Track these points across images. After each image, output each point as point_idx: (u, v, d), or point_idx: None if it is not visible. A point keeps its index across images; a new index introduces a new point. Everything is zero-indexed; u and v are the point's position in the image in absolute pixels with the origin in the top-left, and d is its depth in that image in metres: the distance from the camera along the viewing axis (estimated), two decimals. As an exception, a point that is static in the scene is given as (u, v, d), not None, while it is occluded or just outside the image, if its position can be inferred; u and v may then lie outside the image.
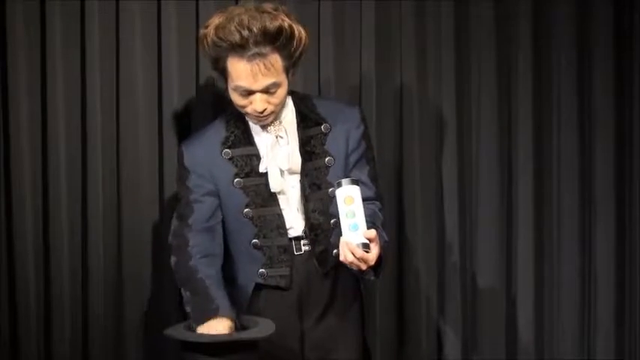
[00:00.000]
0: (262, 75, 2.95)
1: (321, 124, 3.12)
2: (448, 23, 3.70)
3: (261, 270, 3.11)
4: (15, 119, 3.45)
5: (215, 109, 3.53)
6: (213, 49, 2.99)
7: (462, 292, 3.72)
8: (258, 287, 3.14)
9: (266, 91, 2.98)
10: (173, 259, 3.12)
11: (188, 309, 3.02)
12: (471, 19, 3.72)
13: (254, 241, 3.10)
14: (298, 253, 3.12)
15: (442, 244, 3.72)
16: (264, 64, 2.94)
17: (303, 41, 3.00)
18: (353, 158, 3.13)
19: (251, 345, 2.73)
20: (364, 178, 3.12)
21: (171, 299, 3.55)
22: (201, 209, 3.09)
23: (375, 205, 3.13)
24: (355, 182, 2.90)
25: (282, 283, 3.11)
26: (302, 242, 3.11)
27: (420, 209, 3.68)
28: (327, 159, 3.09)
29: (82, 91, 3.50)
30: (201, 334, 2.81)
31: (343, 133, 3.12)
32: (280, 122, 3.10)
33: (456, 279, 3.72)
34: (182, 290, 3.07)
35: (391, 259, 3.54)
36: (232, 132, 3.12)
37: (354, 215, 2.87)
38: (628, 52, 3.78)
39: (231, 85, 3.01)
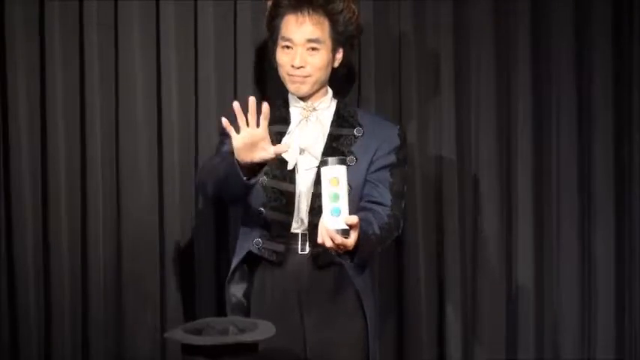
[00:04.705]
0: (307, 27, 3.09)
1: (355, 127, 3.15)
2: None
3: (257, 239, 3.12)
4: (15, 119, 3.45)
5: (215, 107, 3.54)
6: (274, 9, 3.16)
7: (462, 292, 3.72)
8: (253, 263, 3.14)
9: (307, 47, 3.09)
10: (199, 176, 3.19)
11: (219, 171, 2.99)
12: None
13: (260, 209, 3.10)
14: (302, 252, 3.12)
15: (442, 243, 3.72)
16: (312, 18, 3.10)
17: (354, 19, 3.16)
18: (376, 164, 3.12)
19: (252, 347, 2.72)
20: (382, 186, 3.11)
21: (172, 299, 3.56)
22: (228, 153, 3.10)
23: (385, 210, 3.09)
24: (342, 162, 2.84)
25: (274, 257, 3.11)
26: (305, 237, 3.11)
27: (420, 209, 3.68)
28: (348, 158, 3.07)
29: (82, 91, 3.50)
30: (202, 337, 2.79)
31: (375, 142, 3.13)
32: (314, 109, 3.17)
33: (456, 278, 3.72)
34: (209, 181, 3.05)
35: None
36: (273, 112, 3.16)
37: (337, 199, 2.80)
38: (628, 52, 3.78)
39: (278, 42, 3.14)
